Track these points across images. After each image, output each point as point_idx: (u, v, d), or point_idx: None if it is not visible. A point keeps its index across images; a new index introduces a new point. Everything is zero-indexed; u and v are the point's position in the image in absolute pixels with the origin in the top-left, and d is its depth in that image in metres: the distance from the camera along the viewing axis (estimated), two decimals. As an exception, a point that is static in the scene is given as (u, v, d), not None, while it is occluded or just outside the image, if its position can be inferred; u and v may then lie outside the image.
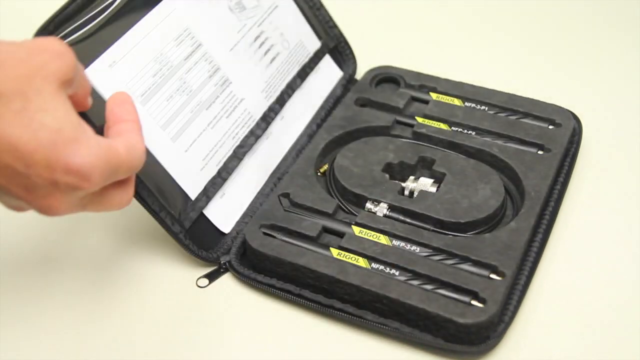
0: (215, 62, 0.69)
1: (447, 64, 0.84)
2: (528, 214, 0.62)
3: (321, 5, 0.80)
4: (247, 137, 0.69)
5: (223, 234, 0.65)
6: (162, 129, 0.62)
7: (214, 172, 0.65)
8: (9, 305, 0.61)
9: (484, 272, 0.58)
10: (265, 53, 0.74)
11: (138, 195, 0.58)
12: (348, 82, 0.79)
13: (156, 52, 0.63)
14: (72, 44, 0.58)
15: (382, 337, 0.57)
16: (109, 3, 0.62)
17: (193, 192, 0.63)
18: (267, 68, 0.74)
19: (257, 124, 0.70)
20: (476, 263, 0.58)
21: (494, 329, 0.55)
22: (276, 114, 0.72)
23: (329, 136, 0.71)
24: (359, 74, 0.80)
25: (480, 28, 0.91)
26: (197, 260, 0.62)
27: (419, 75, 0.77)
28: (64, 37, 0.58)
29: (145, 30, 0.63)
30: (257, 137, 0.70)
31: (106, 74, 0.59)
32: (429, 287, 0.57)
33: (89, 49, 0.59)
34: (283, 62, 0.75)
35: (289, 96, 0.74)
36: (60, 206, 0.47)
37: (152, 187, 0.60)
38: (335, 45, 0.81)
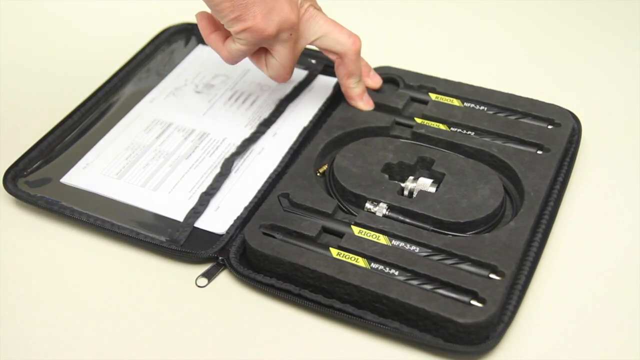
0: (188, 128, 0.76)
1: (446, 64, 0.85)
2: (527, 214, 0.62)
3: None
4: (232, 155, 0.72)
5: (219, 235, 0.65)
6: (142, 186, 0.70)
7: (199, 196, 0.68)
8: (9, 305, 0.61)
9: (484, 272, 0.58)
10: (244, 102, 0.79)
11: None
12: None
13: (127, 143, 0.74)
14: (50, 161, 0.72)
15: (381, 337, 0.57)
16: (78, 120, 0.76)
17: (181, 216, 0.66)
18: (248, 110, 0.78)
19: (243, 144, 0.73)
20: (475, 263, 0.58)
21: (493, 329, 0.55)
22: (263, 133, 0.74)
23: (328, 137, 0.71)
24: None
25: (479, 28, 0.91)
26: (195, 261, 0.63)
27: (418, 75, 0.77)
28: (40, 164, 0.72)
29: (115, 135, 0.75)
30: (244, 154, 0.72)
31: (81, 173, 0.71)
32: (428, 287, 0.57)
33: (64, 162, 0.72)
34: (265, 100, 0.79)
35: (277, 117, 0.77)
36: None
37: (135, 226, 0.65)
38: (325, 64, 0.83)
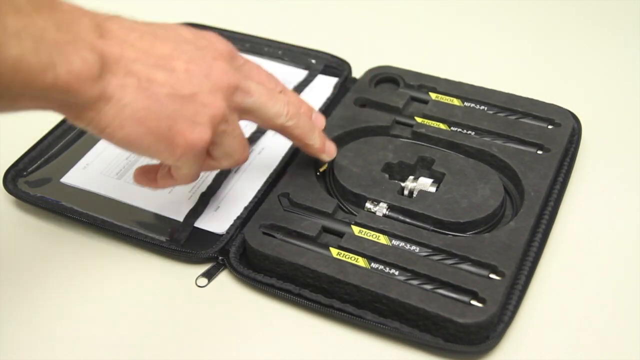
0: None
1: (447, 64, 0.85)
2: (527, 214, 0.62)
3: (292, 46, 0.84)
4: None
5: (219, 235, 0.65)
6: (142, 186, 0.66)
7: (199, 196, 0.68)
8: (9, 306, 0.61)
9: (484, 272, 0.58)
10: None
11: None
12: (342, 84, 0.80)
13: None
14: (50, 161, 0.72)
15: (381, 337, 0.57)
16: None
17: (181, 216, 0.66)
18: None
19: None
20: (475, 263, 0.58)
21: (493, 329, 0.55)
22: (263, 133, 0.74)
23: (328, 136, 0.71)
24: (358, 74, 0.80)
25: (479, 28, 0.91)
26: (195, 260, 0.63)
27: (418, 75, 0.77)
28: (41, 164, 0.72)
29: None
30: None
31: (81, 173, 0.71)
32: (428, 286, 0.57)
33: (64, 162, 0.72)
34: None
35: None
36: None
37: (136, 226, 0.65)
38: (325, 64, 0.82)
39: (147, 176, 0.60)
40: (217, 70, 0.54)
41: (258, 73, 0.61)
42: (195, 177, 0.58)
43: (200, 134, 0.52)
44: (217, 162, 0.58)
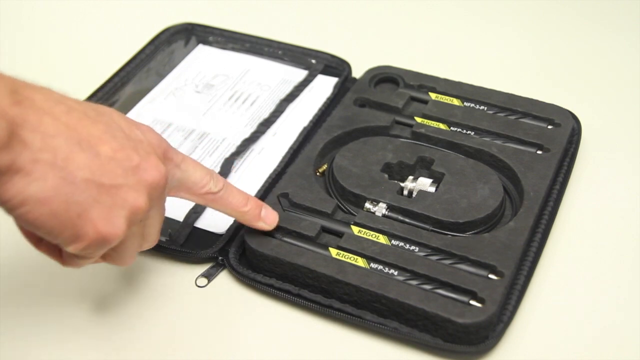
0: (188, 128, 0.75)
1: (447, 64, 0.85)
2: (527, 214, 0.62)
3: (294, 46, 0.84)
4: (232, 155, 0.72)
5: (218, 235, 0.65)
6: None
7: None
8: (10, 306, 0.61)
9: (483, 272, 0.58)
10: (243, 102, 0.78)
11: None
12: (342, 84, 0.80)
13: None
14: None
15: (380, 337, 0.57)
16: None
17: (181, 216, 0.66)
18: (248, 110, 0.78)
19: (243, 144, 0.73)
20: (475, 263, 0.58)
21: (492, 329, 0.55)
22: (263, 133, 0.74)
23: (327, 136, 0.71)
24: (358, 74, 0.80)
25: (479, 28, 0.91)
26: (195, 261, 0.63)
27: (418, 75, 0.77)
28: None
29: None
30: (244, 154, 0.72)
31: None
32: (427, 287, 0.57)
33: None
34: (265, 100, 0.79)
35: (277, 117, 0.76)
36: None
37: None
38: (325, 64, 0.83)
39: (51, 249, 0.52)
40: (147, 165, 0.49)
41: (194, 169, 0.55)
42: (92, 261, 0.51)
43: (114, 229, 0.47)
44: (101, 259, 0.52)
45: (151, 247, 0.55)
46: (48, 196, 0.44)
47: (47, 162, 0.44)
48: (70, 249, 0.47)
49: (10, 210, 0.45)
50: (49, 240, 0.47)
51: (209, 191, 0.56)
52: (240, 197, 0.58)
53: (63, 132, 0.45)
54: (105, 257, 0.52)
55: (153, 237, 0.54)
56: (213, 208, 0.58)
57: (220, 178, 0.57)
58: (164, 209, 0.54)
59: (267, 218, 0.60)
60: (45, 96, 0.46)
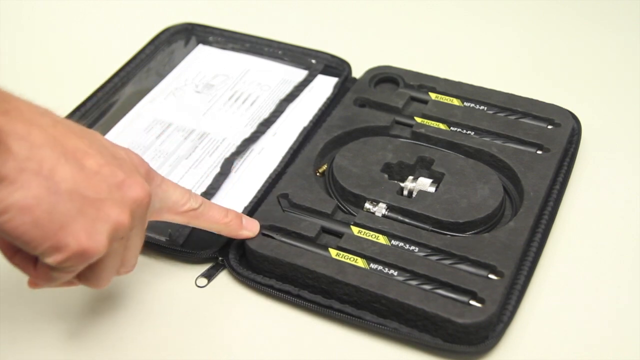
0: (188, 128, 0.76)
1: (446, 64, 0.85)
2: (527, 214, 0.62)
3: (293, 46, 0.84)
4: (232, 155, 0.72)
5: (218, 235, 0.65)
6: None
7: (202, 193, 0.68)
8: (10, 306, 0.61)
9: (483, 272, 0.58)
10: (244, 102, 0.78)
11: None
12: (342, 84, 0.80)
13: (126, 143, 0.73)
14: None
15: (380, 337, 0.57)
16: (78, 120, 0.69)
17: None
18: (248, 110, 0.78)
19: (243, 144, 0.73)
20: (475, 263, 0.58)
21: (492, 329, 0.55)
22: (263, 133, 0.74)
23: (327, 136, 0.71)
24: (358, 74, 0.80)
25: (479, 28, 0.91)
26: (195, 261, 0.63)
27: (418, 75, 0.77)
28: None
29: (115, 135, 0.75)
30: (244, 154, 0.72)
31: None
32: (427, 287, 0.57)
33: None
34: (265, 100, 0.79)
35: (277, 117, 0.76)
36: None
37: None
38: (325, 64, 0.83)
39: (25, 262, 0.49)
40: (132, 182, 0.49)
41: (174, 189, 0.56)
42: (69, 278, 0.49)
43: (96, 244, 0.46)
44: (76, 279, 0.50)
45: (128, 273, 0.54)
46: (31, 205, 0.44)
47: (32, 171, 0.44)
48: (50, 260, 0.46)
49: None
50: (28, 251, 0.46)
51: (190, 208, 0.56)
52: (220, 210, 0.59)
53: (50, 143, 0.45)
54: (80, 277, 0.50)
55: (132, 261, 0.53)
56: (196, 226, 0.59)
57: (198, 195, 0.58)
58: (144, 234, 0.53)
59: (249, 226, 0.61)
60: (30, 109, 0.46)
